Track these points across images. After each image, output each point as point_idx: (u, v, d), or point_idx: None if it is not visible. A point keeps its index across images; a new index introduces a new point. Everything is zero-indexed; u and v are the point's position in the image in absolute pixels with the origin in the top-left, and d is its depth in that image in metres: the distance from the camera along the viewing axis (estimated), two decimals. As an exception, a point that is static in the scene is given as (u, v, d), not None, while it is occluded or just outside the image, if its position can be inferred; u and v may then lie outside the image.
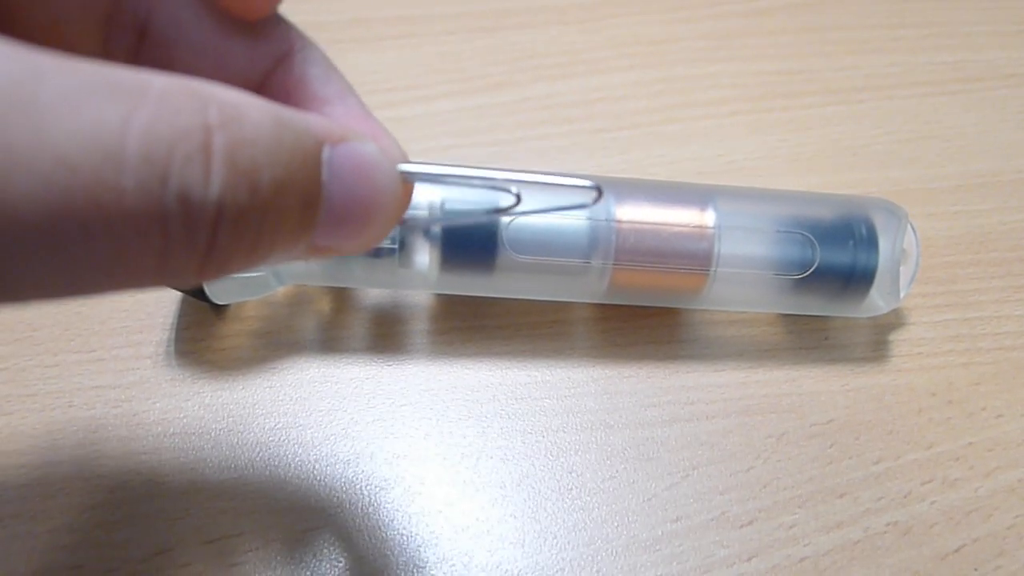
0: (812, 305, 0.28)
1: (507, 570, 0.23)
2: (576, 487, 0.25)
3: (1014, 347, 0.30)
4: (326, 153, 0.14)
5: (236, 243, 0.12)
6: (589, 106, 0.38)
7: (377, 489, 0.25)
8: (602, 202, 0.26)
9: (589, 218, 0.27)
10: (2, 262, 0.10)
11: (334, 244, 0.14)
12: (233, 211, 0.12)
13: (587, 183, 0.16)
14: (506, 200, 0.17)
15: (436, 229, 0.26)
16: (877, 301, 0.28)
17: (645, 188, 0.28)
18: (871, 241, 0.27)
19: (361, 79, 0.38)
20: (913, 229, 0.28)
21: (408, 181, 0.16)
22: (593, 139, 0.36)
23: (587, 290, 0.28)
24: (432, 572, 0.23)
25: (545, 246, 0.26)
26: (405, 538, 0.24)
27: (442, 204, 0.26)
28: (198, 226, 0.11)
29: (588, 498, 0.25)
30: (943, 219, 0.34)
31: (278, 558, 0.23)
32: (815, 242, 0.27)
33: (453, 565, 0.23)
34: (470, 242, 0.26)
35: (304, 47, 0.17)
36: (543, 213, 0.19)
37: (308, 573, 0.23)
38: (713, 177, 0.35)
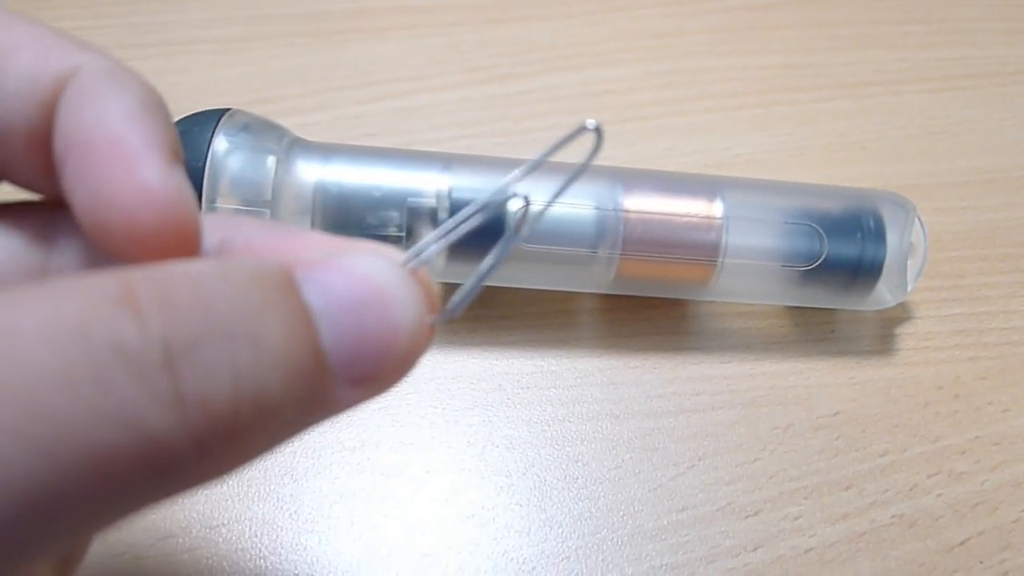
0: (819, 297, 0.28)
1: (512, 558, 0.23)
2: (582, 476, 0.25)
3: (1021, 342, 0.29)
4: (302, 285, 0.11)
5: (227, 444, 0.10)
6: (594, 98, 0.38)
7: (383, 477, 0.25)
8: (609, 192, 0.27)
9: (597, 208, 0.27)
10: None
11: (369, 391, 0.12)
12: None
13: (585, 124, 0.15)
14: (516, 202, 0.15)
15: (443, 216, 0.26)
16: (884, 294, 0.28)
17: (653, 178, 0.28)
18: (879, 234, 0.27)
19: (365, 69, 0.38)
20: (920, 222, 0.28)
21: (417, 269, 0.13)
22: (599, 131, 0.36)
23: (594, 280, 0.28)
24: (438, 560, 0.23)
25: (553, 235, 0.26)
26: (411, 526, 0.24)
27: (449, 192, 0.26)
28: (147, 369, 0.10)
29: (594, 487, 0.25)
30: (950, 214, 0.34)
31: (283, 544, 0.23)
32: (823, 234, 0.27)
33: (459, 553, 0.23)
34: (477, 230, 0.26)
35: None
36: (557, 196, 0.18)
37: (313, 559, 0.23)
38: (719, 170, 0.35)
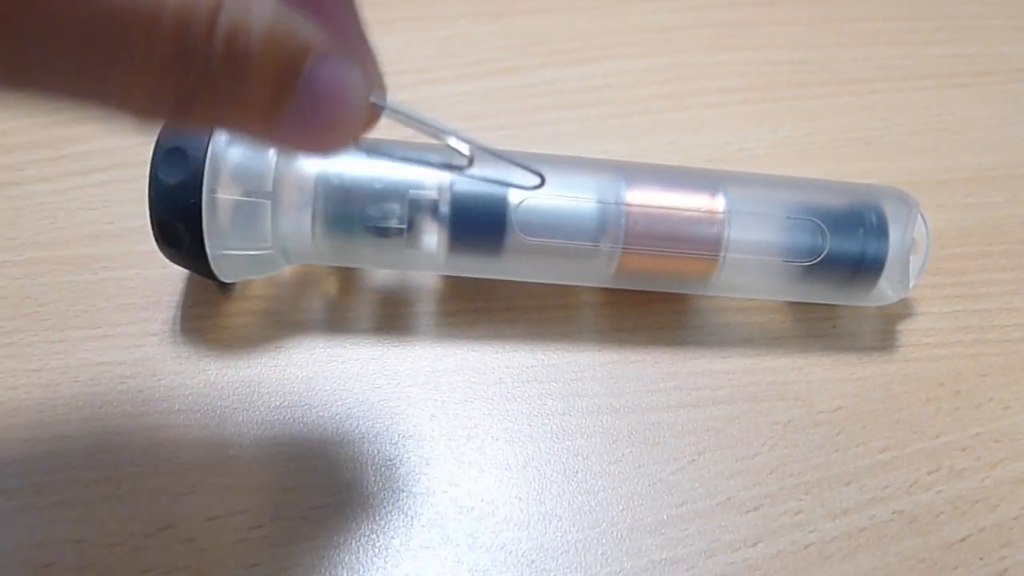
0: (821, 293, 0.28)
1: (511, 551, 0.23)
2: (581, 470, 0.25)
3: (1023, 339, 0.29)
4: (309, 62, 0.15)
5: (210, 91, 0.14)
6: (598, 92, 0.38)
7: (382, 468, 0.25)
8: (611, 185, 0.27)
9: (599, 201, 0.27)
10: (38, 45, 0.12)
11: (292, 141, 0.16)
12: (217, 65, 0.13)
13: (534, 175, 0.20)
14: (458, 160, 0.19)
15: (445, 209, 0.26)
16: (886, 290, 0.28)
17: (655, 172, 0.28)
18: (881, 229, 0.27)
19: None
20: (923, 219, 0.28)
21: (377, 108, 0.17)
22: (601, 125, 0.36)
23: (595, 274, 0.28)
24: (436, 552, 0.23)
25: (554, 228, 0.26)
26: (410, 518, 0.24)
27: (451, 185, 0.26)
28: (188, 60, 0.13)
29: (593, 481, 0.25)
30: (954, 211, 0.34)
31: (282, 536, 0.23)
32: (825, 229, 0.27)
33: (458, 546, 0.23)
34: (479, 223, 0.26)
35: None
36: (488, 181, 0.20)
37: (312, 551, 0.23)
38: (722, 165, 0.35)
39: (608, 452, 0.25)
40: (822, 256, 0.27)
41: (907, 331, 0.29)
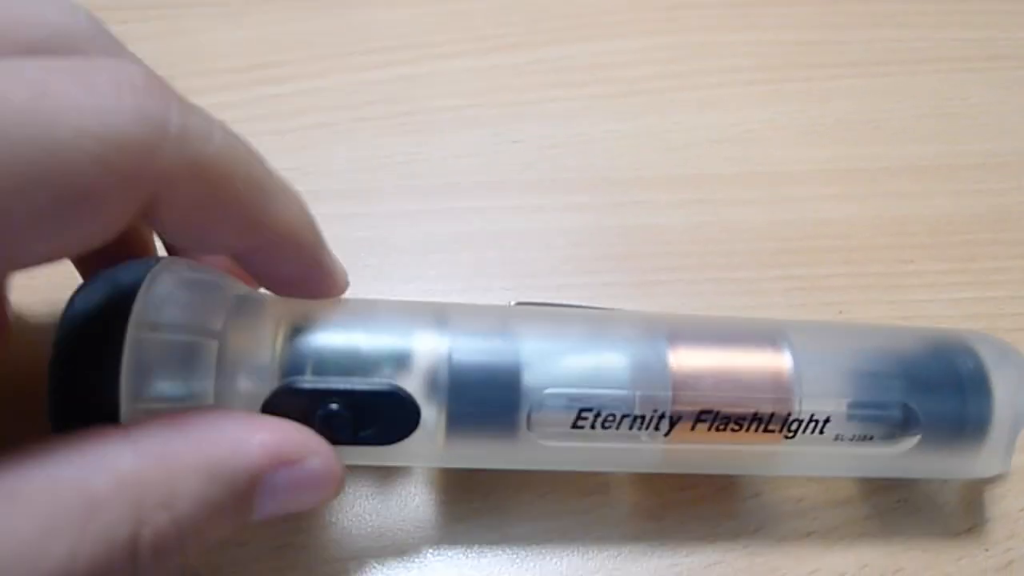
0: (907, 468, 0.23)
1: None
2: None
3: (1032, 328, 0.29)
4: (263, 481, 0.16)
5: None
6: (604, 70, 0.37)
7: None
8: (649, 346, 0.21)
9: (634, 368, 0.21)
10: None
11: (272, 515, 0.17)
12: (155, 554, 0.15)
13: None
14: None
15: (442, 381, 0.20)
16: (989, 461, 0.23)
17: (700, 326, 0.23)
18: (980, 384, 0.22)
19: (370, 36, 0.37)
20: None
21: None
22: (607, 103, 0.35)
23: (634, 460, 0.22)
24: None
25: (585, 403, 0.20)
26: None
27: (449, 355, 0.20)
28: None
29: (593, 465, 0.24)
30: (964, 197, 0.33)
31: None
32: (912, 392, 0.22)
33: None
34: (486, 397, 0.20)
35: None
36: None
37: (305, 530, 0.22)
38: (728, 145, 0.34)
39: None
40: (912, 429, 0.22)
41: (915, 318, 0.29)
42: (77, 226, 0.14)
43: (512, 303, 0.21)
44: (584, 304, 0.23)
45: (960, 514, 0.24)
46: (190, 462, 0.15)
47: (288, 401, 0.18)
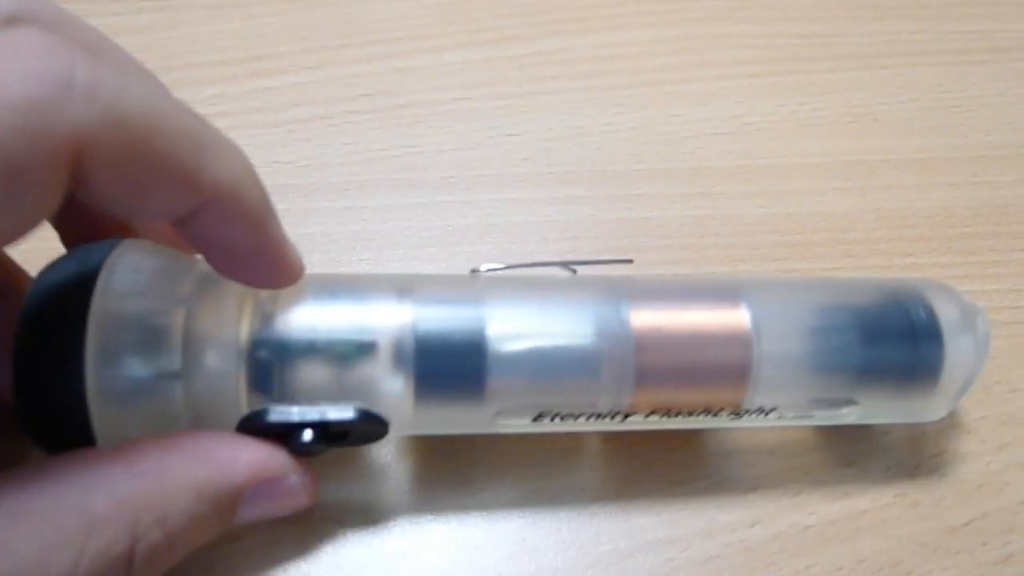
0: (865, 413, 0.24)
1: (500, 528, 0.23)
2: (577, 447, 0.24)
3: (1032, 321, 0.29)
4: (245, 494, 0.18)
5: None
6: (604, 62, 0.37)
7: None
8: (611, 308, 0.21)
9: (597, 332, 0.21)
10: None
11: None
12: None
13: (624, 260, 0.22)
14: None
15: (408, 352, 0.20)
16: (942, 402, 0.23)
17: (660, 286, 0.23)
18: (932, 328, 0.22)
19: (367, 28, 0.37)
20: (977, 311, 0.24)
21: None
22: (607, 95, 0.35)
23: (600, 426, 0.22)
24: (427, 528, 0.22)
25: (546, 369, 0.21)
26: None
27: (414, 325, 0.20)
28: None
29: (590, 459, 0.24)
30: (964, 189, 0.33)
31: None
32: (867, 336, 0.22)
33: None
34: (451, 367, 0.20)
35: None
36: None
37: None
38: (728, 138, 0.34)
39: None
40: (867, 362, 0.22)
41: (914, 311, 0.29)
42: (11, 204, 0.14)
43: (471, 270, 0.21)
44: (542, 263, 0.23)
45: (958, 508, 0.24)
46: (183, 483, 0.17)
47: (261, 427, 0.19)
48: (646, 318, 0.21)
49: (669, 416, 0.22)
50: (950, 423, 0.26)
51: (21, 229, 0.15)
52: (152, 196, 0.16)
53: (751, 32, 0.39)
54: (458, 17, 0.38)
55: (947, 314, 0.23)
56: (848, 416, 0.23)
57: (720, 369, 0.22)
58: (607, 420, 0.22)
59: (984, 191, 0.33)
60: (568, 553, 0.22)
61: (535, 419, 0.21)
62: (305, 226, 0.29)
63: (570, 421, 0.22)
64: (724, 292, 0.22)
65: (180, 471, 0.17)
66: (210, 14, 0.37)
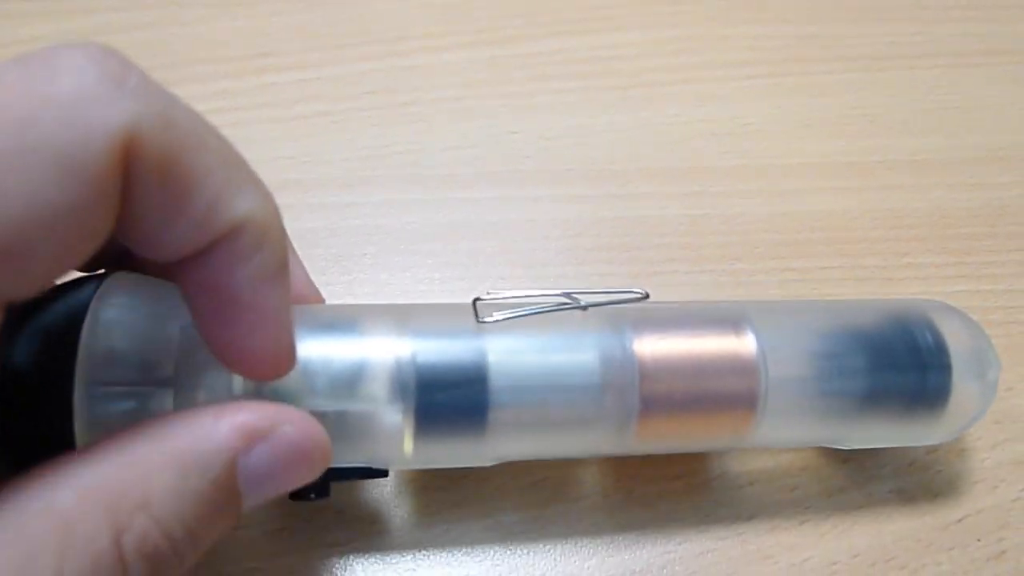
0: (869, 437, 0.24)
1: (498, 520, 0.23)
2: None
3: (1027, 321, 0.29)
4: (240, 463, 0.16)
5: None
6: (603, 63, 0.37)
7: None
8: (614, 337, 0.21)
9: (602, 359, 0.21)
10: None
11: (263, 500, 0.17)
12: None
13: (638, 293, 0.21)
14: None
15: (409, 384, 0.19)
16: (955, 422, 0.23)
17: (663, 312, 0.22)
18: (939, 350, 0.22)
19: (369, 27, 0.37)
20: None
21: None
22: (605, 96, 0.36)
23: (602, 445, 0.22)
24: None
25: (548, 399, 0.20)
26: None
27: (414, 358, 0.19)
28: None
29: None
30: (961, 190, 0.33)
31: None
32: (875, 359, 0.22)
33: (448, 514, 0.23)
34: (453, 401, 0.20)
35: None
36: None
37: None
38: (726, 139, 0.34)
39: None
40: (873, 394, 0.22)
41: (910, 310, 0.29)
42: (75, 202, 0.13)
43: (473, 300, 0.20)
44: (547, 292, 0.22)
45: (952, 504, 0.24)
46: (157, 459, 0.15)
47: None
48: (650, 346, 0.21)
49: (672, 449, 0.22)
50: (945, 420, 0.26)
51: (93, 234, 0.14)
52: (186, 215, 0.15)
53: (749, 33, 0.39)
54: (460, 17, 0.38)
55: (959, 355, 0.22)
56: (844, 444, 0.23)
57: (727, 397, 0.21)
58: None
59: (980, 192, 0.33)
60: (565, 545, 0.23)
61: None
62: (308, 221, 0.29)
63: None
64: (729, 319, 0.22)
65: (153, 448, 0.15)
66: (213, 12, 0.37)
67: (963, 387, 0.22)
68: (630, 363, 0.20)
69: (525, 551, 0.23)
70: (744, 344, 0.21)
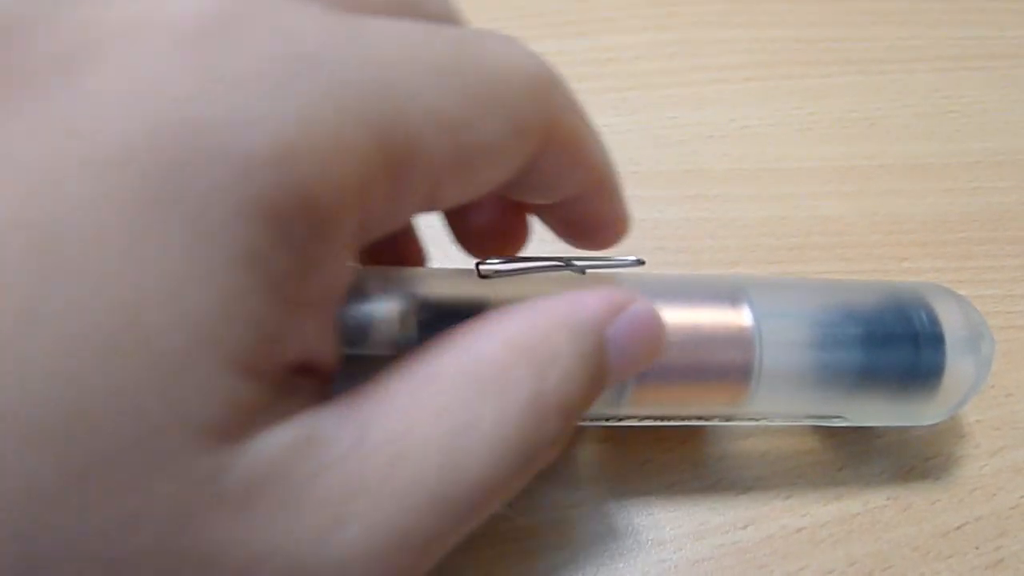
0: (863, 414, 0.24)
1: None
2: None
3: (1026, 326, 0.29)
4: (608, 338, 0.16)
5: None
6: (600, 65, 0.37)
7: None
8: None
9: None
10: None
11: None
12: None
13: (635, 261, 0.21)
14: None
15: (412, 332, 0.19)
16: (946, 401, 0.23)
17: (661, 284, 0.23)
18: (934, 331, 0.22)
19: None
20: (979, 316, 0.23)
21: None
22: (602, 98, 0.35)
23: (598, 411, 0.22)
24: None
25: None
26: None
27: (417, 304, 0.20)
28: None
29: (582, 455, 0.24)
30: (960, 195, 0.33)
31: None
32: (869, 336, 0.22)
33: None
34: None
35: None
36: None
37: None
38: (723, 142, 0.34)
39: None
40: (867, 371, 0.22)
41: (908, 315, 0.29)
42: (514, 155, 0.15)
43: (476, 263, 0.20)
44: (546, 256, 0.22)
45: (951, 512, 0.24)
46: (553, 323, 0.15)
47: None
48: None
49: (666, 418, 0.22)
50: (944, 427, 0.26)
51: (507, 169, 0.15)
52: (577, 160, 0.17)
53: (747, 36, 0.39)
54: (456, 19, 0.38)
55: (953, 330, 0.22)
56: (838, 421, 0.23)
57: (722, 367, 0.21)
58: (603, 421, 0.22)
59: (980, 197, 0.33)
60: (559, 553, 0.22)
61: None
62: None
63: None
64: (726, 290, 0.22)
65: (546, 313, 0.16)
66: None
67: (957, 360, 0.22)
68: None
69: (518, 561, 0.22)
70: (740, 315, 0.22)
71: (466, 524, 0.13)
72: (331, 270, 0.13)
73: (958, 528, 0.24)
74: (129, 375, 0.10)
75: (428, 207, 0.14)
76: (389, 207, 0.13)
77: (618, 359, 0.16)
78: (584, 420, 0.22)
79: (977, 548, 0.23)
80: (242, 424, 0.12)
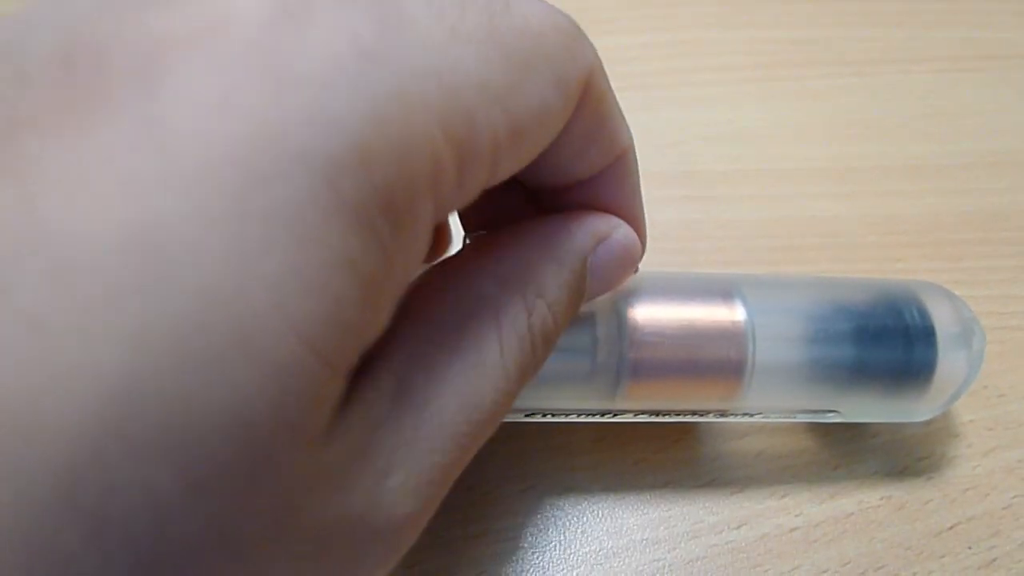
0: (857, 410, 0.24)
1: (489, 527, 0.23)
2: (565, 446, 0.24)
3: (1020, 327, 0.29)
4: (589, 260, 0.18)
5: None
6: (597, 66, 0.37)
7: None
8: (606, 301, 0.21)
9: (593, 323, 0.21)
10: None
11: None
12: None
13: None
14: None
15: None
16: (939, 397, 0.23)
17: (655, 281, 0.23)
18: (927, 328, 0.22)
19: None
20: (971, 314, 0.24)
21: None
22: (600, 99, 0.35)
23: (591, 406, 0.22)
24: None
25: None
26: None
27: None
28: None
29: (576, 458, 0.24)
30: (954, 196, 0.33)
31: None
32: (862, 333, 0.22)
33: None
34: None
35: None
36: None
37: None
38: (720, 143, 0.34)
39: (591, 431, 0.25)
40: (859, 366, 0.22)
41: (902, 316, 0.29)
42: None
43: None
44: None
45: (944, 512, 0.24)
46: (541, 254, 0.17)
47: None
48: (640, 313, 0.21)
49: (660, 414, 0.22)
50: (937, 427, 0.26)
51: (546, 142, 0.16)
52: (598, 142, 0.17)
53: (744, 38, 0.39)
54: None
55: (944, 325, 0.23)
56: (832, 416, 0.23)
57: (716, 362, 0.22)
58: (598, 416, 0.22)
59: (975, 198, 0.33)
60: (554, 552, 0.23)
61: (528, 415, 0.21)
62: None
63: (562, 416, 0.22)
64: (719, 288, 0.22)
65: (534, 245, 0.17)
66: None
67: (949, 355, 0.23)
68: (622, 326, 0.21)
69: (513, 559, 0.22)
70: (733, 311, 0.22)
71: (474, 450, 0.15)
72: (411, 261, 0.13)
73: (951, 528, 0.24)
74: (240, 388, 0.11)
75: (490, 182, 0.15)
76: (458, 190, 0.14)
77: (595, 282, 0.18)
78: (579, 416, 0.22)
79: (970, 548, 0.24)
80: (333, 418, 0.13)
